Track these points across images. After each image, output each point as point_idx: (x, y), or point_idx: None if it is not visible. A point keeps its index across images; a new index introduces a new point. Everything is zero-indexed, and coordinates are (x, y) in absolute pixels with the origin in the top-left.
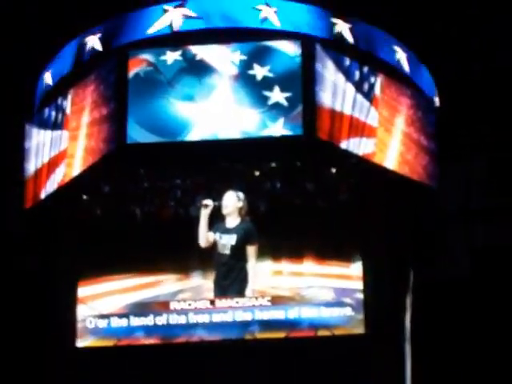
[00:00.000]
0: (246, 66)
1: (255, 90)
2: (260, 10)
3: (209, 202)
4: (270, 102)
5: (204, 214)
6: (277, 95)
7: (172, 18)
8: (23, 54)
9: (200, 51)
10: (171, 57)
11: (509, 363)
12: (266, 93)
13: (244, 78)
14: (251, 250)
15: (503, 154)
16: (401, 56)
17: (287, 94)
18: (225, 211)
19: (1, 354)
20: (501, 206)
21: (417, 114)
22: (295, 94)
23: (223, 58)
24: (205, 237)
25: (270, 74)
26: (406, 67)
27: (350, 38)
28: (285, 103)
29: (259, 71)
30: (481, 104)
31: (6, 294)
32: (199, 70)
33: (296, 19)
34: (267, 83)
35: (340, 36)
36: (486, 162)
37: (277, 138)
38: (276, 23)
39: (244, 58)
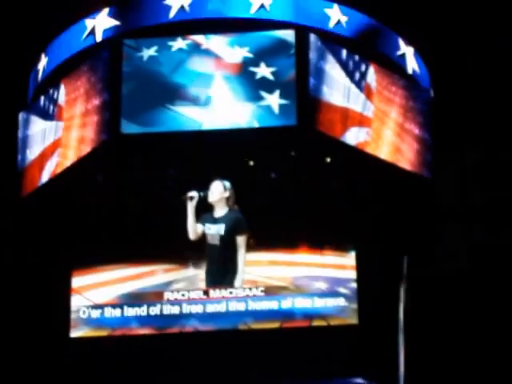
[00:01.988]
0: (251, 62)
1: (253, 86)
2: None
3: (193, 193)
4: (264, 103)
5: (190, 207)
6: (273, 99)
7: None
8: (17, 42)
9: (205, 41)
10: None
11: (503, 354)
12: (263, 93)
13: (245, 73)
14: (240, 240)
15: (502, 148)
16: (403, 49)
17: (284, 101)
18: (211, 199)
19: None
20: (499, 200)
21: (411, 104)
22: (291, 103)
23: (229, 49)
24: (193, 229)
25: (272, 77)
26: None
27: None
28: (276, 109)
29: (263, 70)
30: (477, 95)
31: None
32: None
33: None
34: (267, 84)
35: (334, 26)
36: (484, 156)
37: (270, 129)
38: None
39: (251, 55)
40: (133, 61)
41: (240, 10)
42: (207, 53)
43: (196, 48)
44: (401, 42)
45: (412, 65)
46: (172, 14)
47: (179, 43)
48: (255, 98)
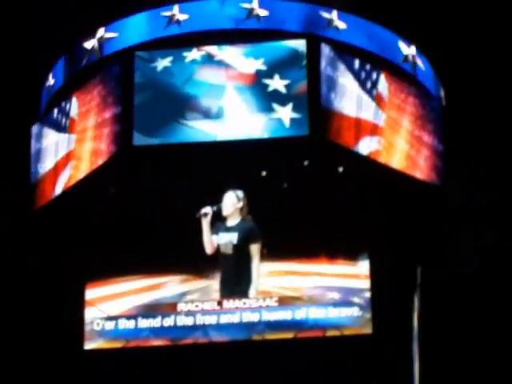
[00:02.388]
0: (265, 73)
1: (265, 98)
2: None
3: (207, 209)
4: (275, 116)
5: (205, 223)
6: (284, 112)
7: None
8: (30, 54)
9: (219, 52)
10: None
11: None
12: (275, 105)
13: (258, 84)
14: (254, 249)
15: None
16: (408, 54)
17: (295, 115)
18: (225, 213)
19: (9, 356)
20: (509, 204)
21: (422, 112)
22: (303, 117)
23: (244, 59)
24: (210, 244)
25: (284, 90)
26: (413, 66)
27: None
28: (287, 123)
29: (276, 83)
30: (487, 101)
31: (14, 298)
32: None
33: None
34: (279, 97)
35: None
36: (494, 161)
37: (282, 139)
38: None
39: (265, 67)
40: (146, 72)
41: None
42: (220, 64)
43: (209, 59)
44: (410, 49)
45: (421, 71)
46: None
47: (194, 54)
48: (267, 109)
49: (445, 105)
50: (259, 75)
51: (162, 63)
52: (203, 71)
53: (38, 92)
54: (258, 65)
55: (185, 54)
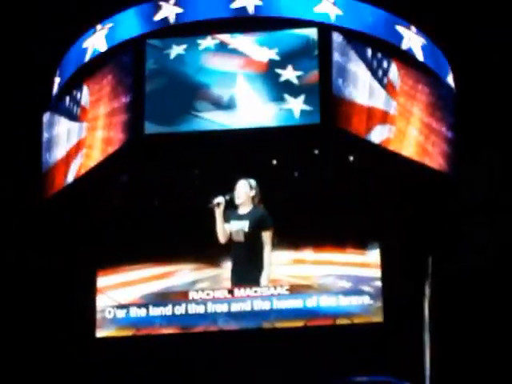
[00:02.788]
0: (278, 63)
1: (276, 87)
2: None
3: (220, 199)
4: (286, 106)
5: (218, 212)
6: (296, 103)
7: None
8: (42, 42)
9: (232, 40)
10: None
11: None
12: (286, 96)
13: (270, 73)
14: (266, 236)
15: None
16: (416, 43)
17: (307, 108)
18: (238, 201)
19: (21, 345)
20: None
21: (435, 101)
22: (314, 110)
23: (257, 47)
24: (223, 233)
25: (296, 81)
26: (421, 55)
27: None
28: (297, 114)
29: (289, 73)
30: (501, 91)
31: (26, 286)
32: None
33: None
34: (290, 87)
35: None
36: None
37: (293, 127)
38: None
39: (279, 57)
40: (159, 59)
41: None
42: (233, 51)
43: (222, 47)
44: (421, 38)
45: (433, 60)
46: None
47: (207, 41)
48: (278, 99)
49: (454, 90)
50: (272, 64)
51: (176, 51)
52: (215, 59)
53: (49, 80)
54: (272, 54)
55: (199, 41)
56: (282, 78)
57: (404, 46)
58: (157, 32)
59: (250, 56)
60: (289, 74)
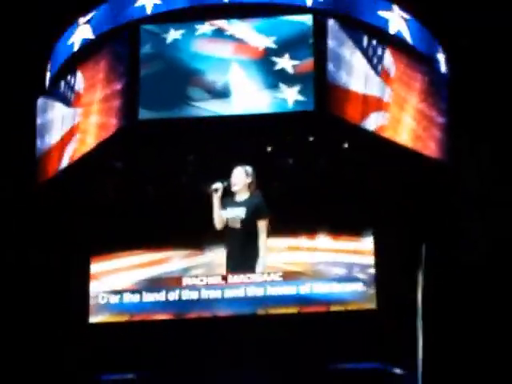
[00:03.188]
0: (275, 51)
1: (271, 75)
2: None
3: (218, 185)
4: (280, 95)
5: (216, 198)
6: (290, 93)
7: None
8: (36, 27)
9: (228, 26)
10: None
11: None
12: (281, 84)
13: (266, 60)
14: (262, 225)
15: None
16: (402, 24)
17: (301, 98)
18: (234, 188)
19: (15, 331)
20: None
21: (431, 89)
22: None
23: (255, 34)
24: (219, 219)
25: (291, 70)
26: (417, 42)
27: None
28: (290, 104)
29: (285, 62)
30: (497, 79)
31: (18, 272)
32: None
33: None
34: (285, 76)
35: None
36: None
37: (288, 114)
38: None
39: (275, 45)
40: (156, 43)
41: None
42: (229, 37)
43: (219, 33)
44: (418, 26)
45: (428, 47)
46: None
47: (205, 27)
48: (272, 86)
49: (447, 74)
50: (268, 52)
51: (173, 35)
52: (210, 45)
53: (43, 65)
54: (269, 42)
55: (197, 26)
56: (278, 67)
57: (392, 30)
58: (153, 18)
59: (246, 42)
60: (285, 62)
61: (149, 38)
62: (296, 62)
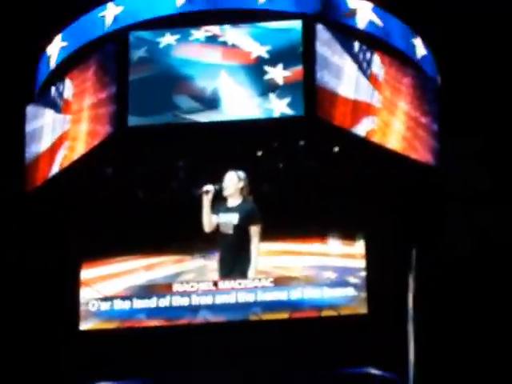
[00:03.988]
0: (267, 61)
1: (261, 83)
2: None
3: (209, 187)
4: (269, 106)
5: (206, 200)
6: (278, 104)
7: None
8: (25, 34)
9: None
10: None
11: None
12: (271, 95)
13: (257, 68)
14: (254, 231)
15: (506, 133)
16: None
17: (289, 111)
18: (226, 193)
19: (5, 338)
20: (506, 187)
21: (419, 94)
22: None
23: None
24: (209, 222)
25: (281, 82)
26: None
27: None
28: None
29: (277, 72)
30: (484, 82)
31: (8, 278)
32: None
33: None
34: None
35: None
36: (490, 142)
37: (278, 119)
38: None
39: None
40: (147, 48)
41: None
42: (220, 43)
43: (212, 39)
44: (406, 30)
45: (419, 52)
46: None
47: (200, 33)
48: (262, 94)
49: (441, 85)
50: (260, 60)
51: (167, 40)
52: (200, 50)
53: (31, 73)
54: (262, 51)
55: (192, 31)
56: (268, 76)
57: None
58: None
59: (239, 48)
60: (276, 72)
61: (140, 44)
62: (287, 73)
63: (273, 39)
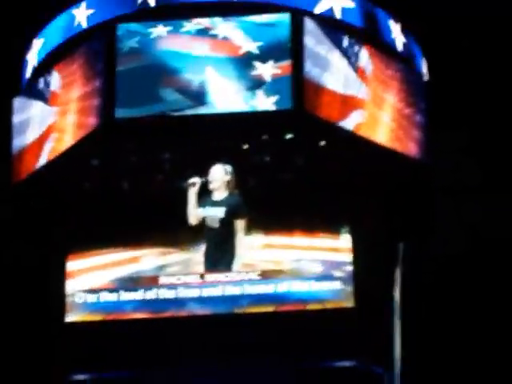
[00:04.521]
0: (256, 56)
1: (249, 78)
2: None
3: (196, 179)
4: (253, 102)
5: (192, 193)
6: (263, 101)
7: None
8: (11, 26)
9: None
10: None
11: (498, 335)
12: (257, 91)
13: (245, 62)
14: (240, 224)
15: (495, 127)
16: (396, 32)
17: (277, 106)
18: (212, 186)
19: None
20: (495, 182)
21: (406, 87)
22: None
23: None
24: (194, 215)
25: (268, 77)
26: (400, 44)
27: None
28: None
29: (264, 67)
30: (472, 76)
31: None
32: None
33: None
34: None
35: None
36: (479, 136)
37: (265, 112)
38: None
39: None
40: (142, 39)
41: None
42: (210, 36)
43: (203, 32)
44: (393, 24)
45: (405, 46)
46: None
47: (191, 25)
48: (249, 89)
49: (429, 79)
50: (249, 54)
51: (158, 31)
52: (188, 43)
53: (19, 64)
54: (252, 47)
55: (185, 23)
56: (256, 71)
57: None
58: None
59: (228, 40)
60: (265, 68)
61: (131, 35)
62: (276, 69)
63: (263, 34)
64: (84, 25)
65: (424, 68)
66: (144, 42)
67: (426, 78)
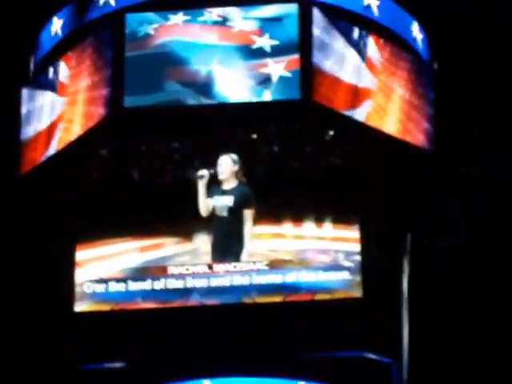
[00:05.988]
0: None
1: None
2: None
3: (204, 172)
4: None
5: (201, 185)
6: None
7: None
8: (20, 16)
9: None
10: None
11: (505, 327)
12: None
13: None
14: (248, 214)
15: (504, 120)
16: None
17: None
18: (222, 177)
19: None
20: (500, 173)
21: (415, 78)
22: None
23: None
24: (205, 206)
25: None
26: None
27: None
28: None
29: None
30: (481, 67)
31: (3, 259)
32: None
33: None
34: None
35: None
36: (488, 128)
37: (274, 102)
38: None
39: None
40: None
41: None
42: (219, 24)
43: (219, 21)
44: (404, 14)
45: (415, 36)
46: None
47: (209, 15)
48: (258, 78)
49: (437, 69)
50: (259, 45)
51: (176, 20)
52: (199, 31)
53: (26, 55)
54: (263, 40)
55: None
56: (265, 66)
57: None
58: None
59: (240, 30)
60: (274, 62)
61: (143, 23)
62: (284, 62)
63: (278, 30)
64: (112, 3)
65: (432, 58)
66: (158, 30)
67: (434, 67)
